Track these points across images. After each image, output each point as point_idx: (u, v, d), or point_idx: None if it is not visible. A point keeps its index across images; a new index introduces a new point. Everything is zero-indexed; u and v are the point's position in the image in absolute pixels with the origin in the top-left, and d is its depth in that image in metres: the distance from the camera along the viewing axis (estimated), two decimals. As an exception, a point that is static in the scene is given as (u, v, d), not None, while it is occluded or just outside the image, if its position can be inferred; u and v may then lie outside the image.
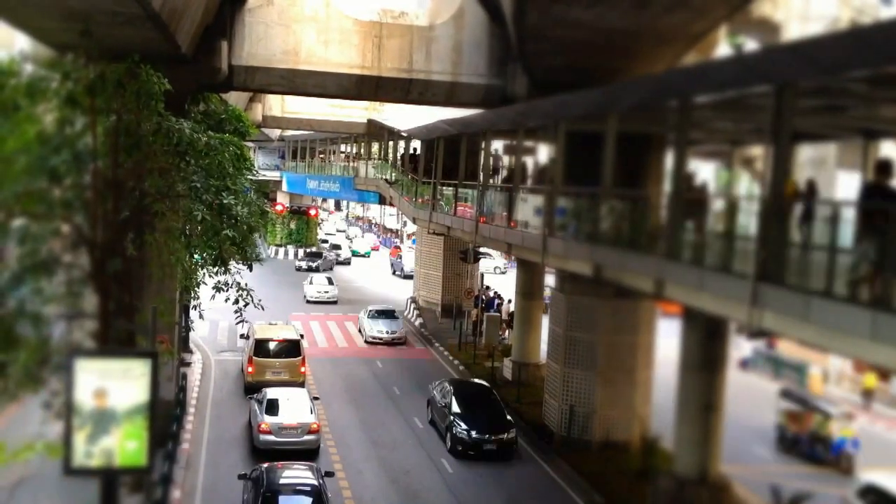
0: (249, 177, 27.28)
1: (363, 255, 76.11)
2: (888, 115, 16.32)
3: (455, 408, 24.12)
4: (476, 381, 28.01)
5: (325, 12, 26.21)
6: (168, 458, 19.30)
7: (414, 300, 45.17)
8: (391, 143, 45.26)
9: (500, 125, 26.22)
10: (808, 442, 24.61)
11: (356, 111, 50.47)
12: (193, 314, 27.08)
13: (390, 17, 27.05)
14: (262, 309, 20.79)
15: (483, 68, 26.52)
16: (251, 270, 21.11)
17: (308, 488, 17.51)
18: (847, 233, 11.66)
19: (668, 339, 23.16)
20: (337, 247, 72.69)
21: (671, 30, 20.78)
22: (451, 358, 34.70)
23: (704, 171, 21.52)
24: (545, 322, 28.61)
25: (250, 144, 50.00)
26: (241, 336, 29.99)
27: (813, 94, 14.31)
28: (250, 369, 28.02)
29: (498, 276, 60.09)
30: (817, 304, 11.56)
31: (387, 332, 37.08)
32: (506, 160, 33.37)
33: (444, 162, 31.49)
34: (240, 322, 20.90)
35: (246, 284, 20.37)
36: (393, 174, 42.72)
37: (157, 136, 16.42)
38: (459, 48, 26.44)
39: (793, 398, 26.07)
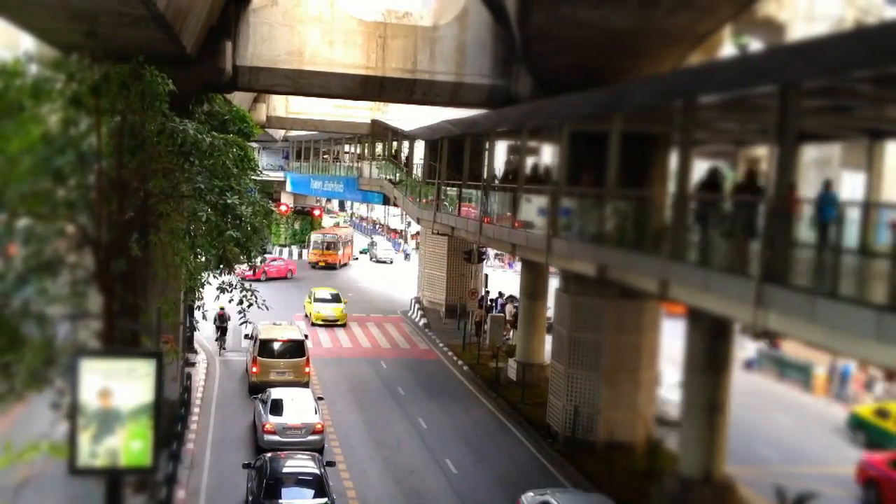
0: (253, 177, 27.28)
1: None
2: (893, 115, 16.30)
3: None
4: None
5: (329, 13, 26.22)
6: (172, 458, 19.32)
7: (418, 300, 45.16)
8: (395, 143, 45.29)
9: (505, 126, 26.24)
10: None
11: (360, 111, 50.49)
12: (197, 314, 27.12)
13: (394, 18, 27.08)
14: (267, 309, 20.83)
15: (487, 69, 26.52)
16: (254, 273, 21.13)
17: (310, 477, 18.11)
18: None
19: (672, 340, 23.17)
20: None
21: (676, 30, 20.76)
22: (455, 358, 34.69)
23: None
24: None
25: (254, 145, 50.06)
26: (246, 336, 30.05)
27: (818, 95, 14.30)
28: (255, 369, 28.03)
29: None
30: (822, 305, 11.55)
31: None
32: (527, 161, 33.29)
33: (447, 162, 31.51)
34: (244, 322, 20.92)
35: (250, 285, 20.40)
36: (397, 174, 42.73)
37: (161, 137, 16.45)
38: (463, 48, 26.43)
39: None
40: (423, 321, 42.10)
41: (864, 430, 25.61)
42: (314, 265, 61.20)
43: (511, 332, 36.60)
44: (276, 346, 28.43)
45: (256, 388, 26.59)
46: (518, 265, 42.83)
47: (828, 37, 13.63)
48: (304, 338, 29.77)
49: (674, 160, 18.86)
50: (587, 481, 21.16)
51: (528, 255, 24.69)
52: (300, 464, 18.72)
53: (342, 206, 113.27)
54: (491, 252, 52.75)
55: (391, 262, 69.73)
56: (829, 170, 29.13)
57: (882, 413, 25.42)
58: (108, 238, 14.76)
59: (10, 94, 13.59)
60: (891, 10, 32.81)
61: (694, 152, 17.30)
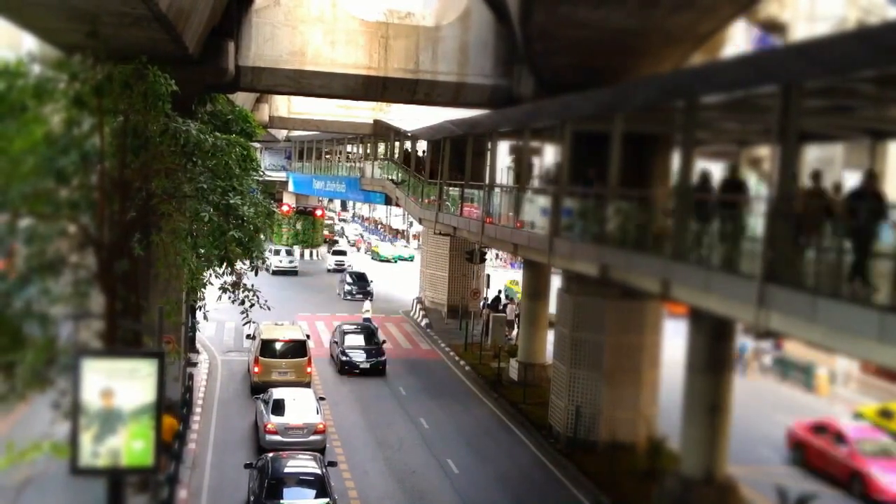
0: (256, 177, 27.29)
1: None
2: (895, 115, 16.30)
3: None
4: None
5: (331, 13, 26.24)
6: (174, 457, 19.33)
7: (420, 301, 45.16)
8: (397, 143, 45.28)
9: (507, 126, 26.24)
10: None
11: (362, 112, 50.51)
12: (199, 314, 27.14)
13: (396, 18, 27.12)
14: (269, 309, 20.84)
15: (489, 69, 26.52)
16: (256, 275, 21.14)
17: (311, 477, 18.16)
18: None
19: (674, 340, 23.16)
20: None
21: (678, 30, 20.76)
22: (456, 358, 34.68)
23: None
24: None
25: (257, 145, 50.03)
26: (248, 336, 30.08)
27: (820, 95, 14.29)
28: (256, 369, 28.05)
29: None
30: (824, 305, 11.54)
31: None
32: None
33: (450, 162, 31.51)
34: (246, 322, 20.94)
35: (252, 285, 20.41)
36: (399, 174, 42.74)
37: (164, 137, 16.45)
38: (466, 49, 26.44)
39: None
40: (424, 321, 42.10)
41: None
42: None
43: (513, 332, 36.62)
44: (278, 346, 28.45)
45: (258, 388, 26.60)
46: (518, 264, 42.83)
47: (830, 37, 13.64)
48: (305, 338, 29.79)
49: (675, 160, 18.87)
50: (589, 482, 21.16)
51: (531, 255, 24.69)
52: (302, 464, 18.76)
53: (344, 206, 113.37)
54: (491, 252, 52.78)
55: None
56: (831, 170, 29.14)
57: (886, 413, 25.41)
58: (110, 238, 14.77)
59: (13, 95, 13.62)
60: (893, 10, 32.77)
61: (695, 152, 17.29)
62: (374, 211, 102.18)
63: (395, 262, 71.99)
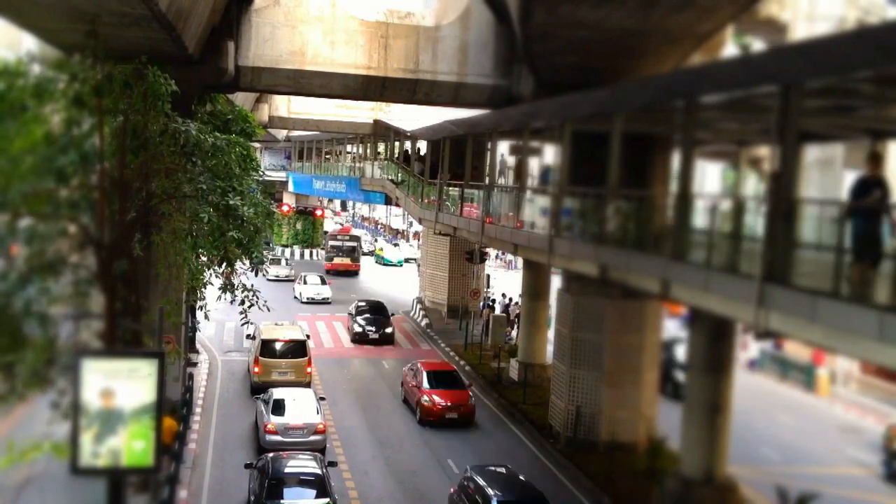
0: (256, 177, 27.29)
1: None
2: (895, 115, 16.28)
3: None
4: None
5: (331, 13, 26.22)
6: (174, 458, 19.33)
7: (420, 300, 45.17)
8: (397, 143, 45.28)
9: (507, 126, 26.23)
10: None
11: (362, 112, 50.51)
12: (200, 314, 27.13)
13: (396, 18, 27.03)
14: (269, 310, 20.83)
15: (489, 69, 26.51)
16: (256, 276, 21.12)
17: (312, 477, 18.17)
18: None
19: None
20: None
21: (678, 30, 20.75)
22: (457, 358, 34.68)
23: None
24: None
25: (256, 145, 50.05)
26: (248, 336, 30.07)
27: (820, 95, 14.28)
28: (256, 370, 28.05)
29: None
30: (824, 305, 11.53)
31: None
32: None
33: (450, 162, 31.48)
34: (245, 323, 20.93)
35: (252, 286, 20.40)
36: (399, 174, 42.74)
37: (163, 137, 16.46)
38: (465, 48, 26.43)
39: None
40: (424, 321, 42.11)
41: None
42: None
43: (513, 332, 36.63)
44: (278, 346, 28.46)
45: (258, 389, 26.61)
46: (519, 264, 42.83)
47: (829, 36, 13.63)
48: (305, 338, 29.80)
49: (675, 160, 18.85)
50: (589, 481, 21.16)
51: (531, 255, 24.69)
52: (302, 464, 18.77)
53: (344, 206, 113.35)
54: (492, 253, 52.76)
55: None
56: (832, 170, 29.13)
57: None
58: (110, 238, 14.77)
59: (13, 95, 13.62)
60: (893, 10, 32.75)
61: (695, 152, 17.29)
62: (373, 211, 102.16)
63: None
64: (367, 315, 37.96)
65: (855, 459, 24.35)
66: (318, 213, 74.13)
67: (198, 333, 32.61)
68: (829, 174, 29.34)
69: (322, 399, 24.93)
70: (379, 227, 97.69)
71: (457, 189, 31.17)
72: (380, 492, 20.67)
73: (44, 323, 13.30)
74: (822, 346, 12.87)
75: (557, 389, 24.56)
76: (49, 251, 13.67)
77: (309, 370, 28.55)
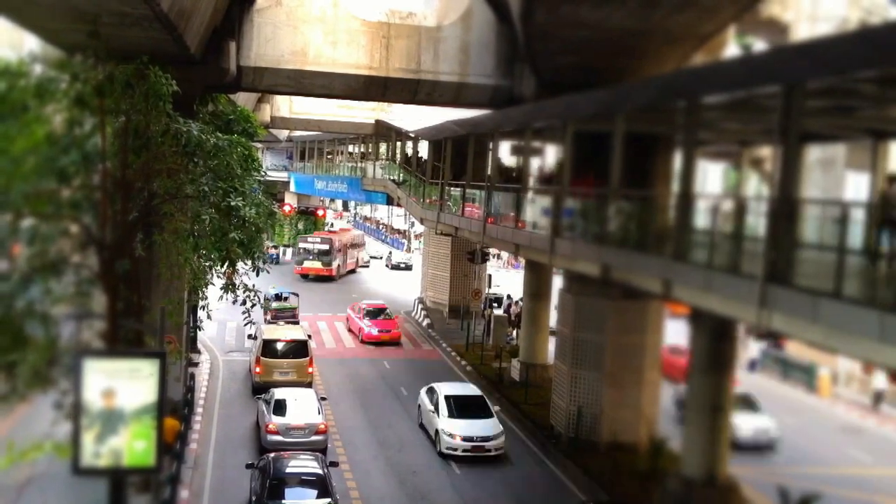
0: (257, 177, 27.29)
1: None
2: (897, 115, 16.27)
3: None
4: None
5: (332, 13, 26.23)
6: (176, 458, 19.34)
7: (421, 301, 45.16)
8: (399, 143, 45.27)
9: (508, 126, 26.22)
10: None
11: (364, 112, 50.50)
12: (202, 314, 27.12)
13: (398, 18, 27.04)
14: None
15: (491, 69, 26.51)
16: (258, 276, 21.11)
17: (313, 477, 18.22)
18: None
19: (676, 340, 23.16)
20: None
21: (680, 30, 20.75)
22: (458, 359, 34.67)
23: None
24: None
25: (258, 145, 50.01)
26: (249, 336, 30.09)
27: (822, 95, 14.28)
28: (258, 370, 28.06)
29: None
30: (825, 306, 11.52)
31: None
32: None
33: (451, 162, 31.47)
34: (247, 323, 20.93)
35: (253, 286, 20.39)
36: (401, 175, 42.75)
37: (165, 137, 16.45)
38: (467, 49, 26.43)
39: None
40: (426, 321, 42.10)
41: None
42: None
43: (514, 332, 36.61)
44: (280, 346, 28.47)
45: (260, 389, 26.61)
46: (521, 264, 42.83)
47: (832, 37, 13.62)
48: (307, 338, 29.80)
49: (677, 160, 18.85)
50: (590, 482, 21.15)
51: (532, 255, 24.68)
52: (303, 464, 18.80)
53: (346, 207, 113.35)
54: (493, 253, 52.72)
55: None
56: (833, 170, 29.12)
57: None
58: (112, 238, 14.76)
59: (15, 95, 13.61)
60: (894, 11, 32.73)
61: (697, 153, 17.28)
62: (375, 211, 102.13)
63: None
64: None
65: (856, 460, 24.34)
66: (320, 213, 74.19)
67: (199, 333, 32.61)
68: (830, 174, 29.34)
69: (323, 399, 24.93)
70: (380, 226, 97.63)
71: (458, 189, 31.18)
72: (381, 492, 20.66)
73: (46, 323, 13.30)
74: (824, 347, 12.85)
75: (559, 390, 24.54)
76: (51, 251, 13.67)
77: (310, 370, 28.56)
